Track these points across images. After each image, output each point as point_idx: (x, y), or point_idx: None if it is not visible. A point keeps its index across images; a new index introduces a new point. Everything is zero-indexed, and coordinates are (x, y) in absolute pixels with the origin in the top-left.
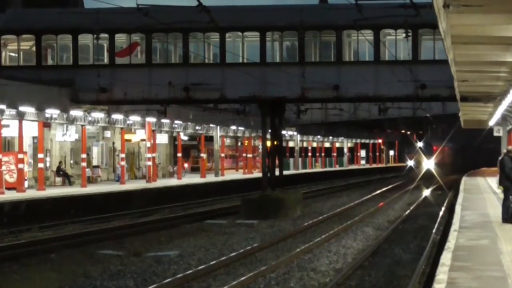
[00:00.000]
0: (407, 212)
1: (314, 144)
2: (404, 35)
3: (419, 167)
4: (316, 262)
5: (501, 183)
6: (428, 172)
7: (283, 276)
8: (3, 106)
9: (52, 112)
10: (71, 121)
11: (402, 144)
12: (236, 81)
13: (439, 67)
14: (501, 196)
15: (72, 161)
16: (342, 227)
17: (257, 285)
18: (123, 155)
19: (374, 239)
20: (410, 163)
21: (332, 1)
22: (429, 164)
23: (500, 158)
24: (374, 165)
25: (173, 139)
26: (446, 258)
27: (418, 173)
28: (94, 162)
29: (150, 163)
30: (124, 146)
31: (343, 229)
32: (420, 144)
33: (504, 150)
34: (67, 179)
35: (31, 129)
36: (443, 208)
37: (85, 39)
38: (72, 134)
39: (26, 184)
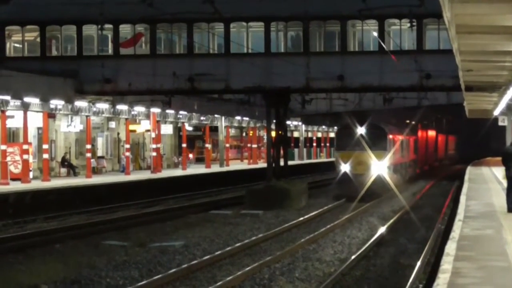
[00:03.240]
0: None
1: (319, 134)
2: (408, 25)
3: (361, 175)
4: (321, 252)
5: (508, 173)
6: (379, 182)
7: (288, 266)
8: (7, 97)
9: (56, 103)
10: (76, 112)
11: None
12: (241, 71)
13: (443, 57)
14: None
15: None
16: (347, 217)
17: (262, 275)
18: (128, 146)
19: (379, 229)
20: (344, 167)
21: None
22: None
23: (505, 148)
24: None
25: (178, 129)
26: (450, 248)
27: (358, 186)
28: (99, 153)
29: (155, 153)
30: (129, 136)
31: (348, 219)
32: (361, 130)
33: (510, 140)
34: (72, 170)
35: (36, 120)
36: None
37: (90, 30)
38: (77, 125)
39: (31, 175)
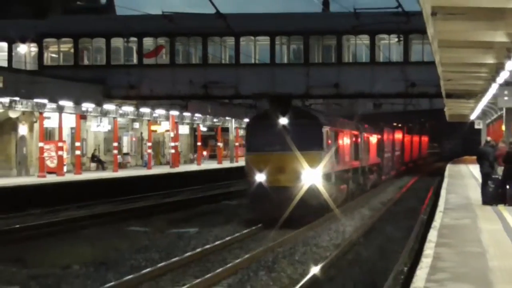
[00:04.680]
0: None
1: None
2: (396, 39)
3: (284, 189)
4: (318, 238)
5: (482, 170)
6: (312, 198)
7: (289, 251)
8: (45, 101)
9: (87, 106)
10: (104, 114)
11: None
12: (249, 79)
13: (427, 68)
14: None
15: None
16: (341, 208)
17: (267, 258)
18: (149, 144)
19: (369, 219)
20: (259, 176)
21: (333, 9)
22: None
23: (480, 147)
24: None
25: (194, 130)
26: (432, 235)
27: (279, 205)
28: (124, 150)
29: (173, 151)
30: (151, 136)
31: (342, 210)
32: (283, 121)
33: (484, 141)
34: (101, 165)
35: (69, 120)
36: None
37: (117, 42)
38: (105, 125)
39: (65, 168)
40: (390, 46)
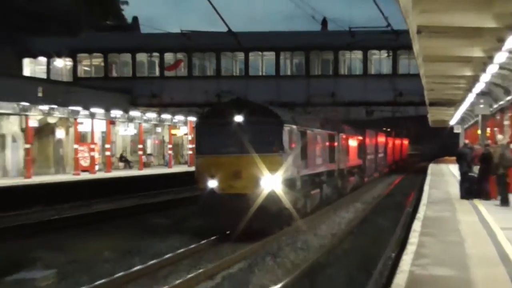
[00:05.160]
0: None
1: None
2: (386, 54)
3: (239, 197)
4: (317, 228)
5: (461, 168)
6: (272, 206)
7: (292, 239)
8: (79, 108)
9: (116, 112)
10: (131, 119)
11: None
12: (257, 89)
13: (413, 79)
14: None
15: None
16: (337, 202)
17: (272, 244)
18: (170, 146)
19: (362, 211)
20: (211, 182)
21: (331, 28)
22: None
23: (459, 149)
24: None
25: None
26: (417, 226)
27: (234, 214)
28: (148, 151)
29: (191, 152)
30: (171, 139)
31: (338, 204)
32: (238, 119)
33: (463, 143)
34: (128, 164)
35: (100, 125)
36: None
37: (141, 57)
38: (131, 130)
39: (96, 167)
40: (380, 60)
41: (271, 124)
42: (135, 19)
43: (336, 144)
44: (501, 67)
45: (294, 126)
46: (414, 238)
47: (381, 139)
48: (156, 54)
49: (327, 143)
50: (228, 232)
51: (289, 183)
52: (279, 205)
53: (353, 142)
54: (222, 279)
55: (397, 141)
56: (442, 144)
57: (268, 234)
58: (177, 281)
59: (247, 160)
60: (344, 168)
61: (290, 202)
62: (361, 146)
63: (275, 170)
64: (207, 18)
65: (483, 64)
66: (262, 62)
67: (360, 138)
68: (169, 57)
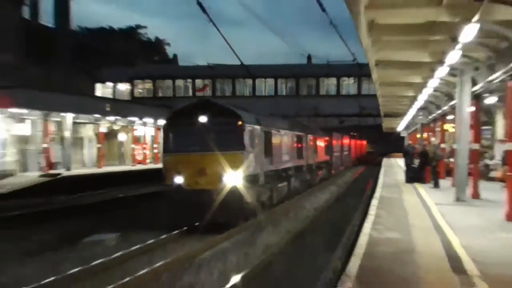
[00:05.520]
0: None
1: None
2: (353, 80)
3: (204, 192)
4: (303, 205)
5: (406, 161)
6: (235, 200)
7: (285, 212)
8: (135, 119)
9: (161, 121)
10: None
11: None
12: (261, 105)
13: (372, 98)
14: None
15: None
16: (318, 186)
17: (270, 216)
18: None
19: (336, 193)
20: (178, 179)
21: (314, 61)
22: (232, 178)
23: (405, 147)
24: None
25: None
26: (374, 203)
27: (201, 208)
28: None
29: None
30: None
31: (318, 188)
32: (202, 119)
33: (407, 144)
34: None
35: (150, 131)
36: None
37: (179, 82)
38: None
39: (147, 160)
40: (349, 85)
41: (233, 124)
42: (174, 56)
43: (304, 143)
44: (435, 90)
45: (258, 126)
46: (372, 211)
47: (346, 140)
48: (189, 80)
49: (295, 143)
50: (196, 224)
51: (252, 179)
52: (241, 200)
53: (320, 142)
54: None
55: (359, 142)
56: (392, 144)
57: (232, 226)
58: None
59: (210, 158)
60: (313, 163)
61: (253, 196)
62: (328, 146)
63: (237, 167)
64: (226, 53)
65: (421, 87)
66: (265, 86)
67: (327, 139)
68: (198, 82)
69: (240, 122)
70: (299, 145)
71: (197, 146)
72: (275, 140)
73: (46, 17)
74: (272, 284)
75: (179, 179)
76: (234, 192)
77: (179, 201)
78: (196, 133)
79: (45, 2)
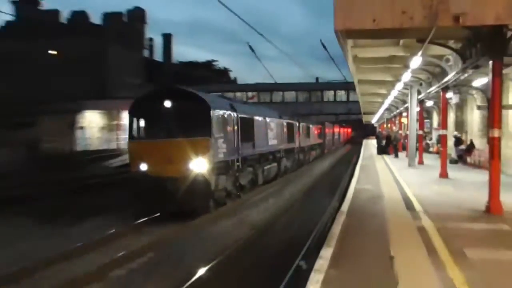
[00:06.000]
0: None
1: None
2: (344, 92)
3: (170, 180)
4: (311, 171)
5: (377, 142)
6: (201, 187)
7: (300, 174)
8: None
9: None
10: None
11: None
12: (289, 108)
13: (356, 103)
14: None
15: None
16: (320, 158)
17: (295, 175)
18: None
19: (332, 163)
20: (143, 166)
21: (320, 80)
22: (198, 166)
23: (376, 133)
24: None
25: None
26: (357, 168)
27: (166, 196)
28: None
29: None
30: None
31: (320, 160)
32: (167, 104)
33: (378, 131)
34: None
35: None
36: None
37: (238, 94)
38: None
39: None
40: (341, 95)
41: (199, 109)
42: (235, 78)
43: (296, 130)
44: (395, 97)
45: (232, 113)
46: (356, 173)
47: (337, 129)
48: (244, 92)
49: (285, 129)
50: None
51: (222, 165)
52: (207, 187)
53: (313, 129)
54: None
55: (346, 129)
56: (369, 131)
57: (201, 214)
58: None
59: (176, 144)
60: (305, 145)
61: (224, 182)
62: (322, 132)
63: (203, 153)
64: (266, 75)
65: (386, 95)
66: (289, 95)
67: (320, 127)
68: (249, 94)
69: (205, 108)
70: (290, 131)
71: (162, 132)
72: (258, 126)
73: (157, 55)
74: (296, 215)
75: (144, 167)
76: (199, 179)
77: (145, 189)
78: (162, 120)
79: (157, 46)
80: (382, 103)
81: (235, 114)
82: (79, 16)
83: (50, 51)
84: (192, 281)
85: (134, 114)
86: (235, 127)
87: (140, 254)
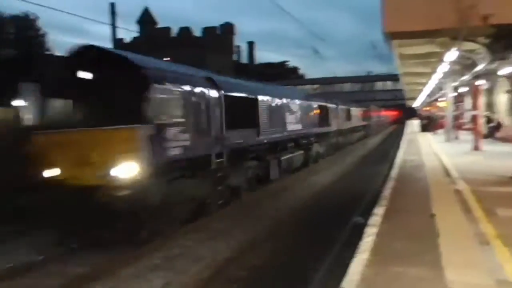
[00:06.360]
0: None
1: None
2: (392, 83)
3: (86, 191)
4: (365, 145)
5: (420, 121)
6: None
7: (357, 147)
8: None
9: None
10: None
11: None
12: (345, 97)
13: (400, 91)
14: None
15: None
16: (372, 135)
17: (350, 148)
18: None
19: (382, 139)
20: (49, 172)
21: (371, 73)
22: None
23: (419, 114)
24: None
25: None
26: (403, 142)
27: (79, 214)
28: None
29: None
30: None
31: (371, 137)
32: (86, 76)
33: (419, 113)
34: None
35: None
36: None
37: (306, 87)
38: None
39: None
40: (389, 85)
41: (131, 81)
42: (302, 75)
43: (334, 113)
44: (433, 86)
45: (209, 90)
46: (402, 145)
47: (383, 111)
48: (310, 85)
49: (314, 112)
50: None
51: (185, 165)
52: (137, 203)
53: (356, 112)
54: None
55: (392, 112)
56: (412, 113)
57: (149, 241)
58: None
59: (92, 136)
60: (345, 128)
61: (191, 189)
62: (367, 114)
63: (133, 151)
64: (329, 71)
65: (425, 85)
66: (345, 87)
67: (366, 109)
68: (314, 86)
69: (141, 79)
70: (324, 114)
71: (75, 119)
72: (266, 108)
73: (243, 59)
74: (353, 179)
75: (50, 171)
76: (121, 192)
77: (50, 203)
78: (74, 100)
79: (243, 51)
80: (422, 90)
81: (216, 93)
82: (185, 31)
83: (164, 59)
84: None
85: (40, 93)
86: (216, 110)
87: None
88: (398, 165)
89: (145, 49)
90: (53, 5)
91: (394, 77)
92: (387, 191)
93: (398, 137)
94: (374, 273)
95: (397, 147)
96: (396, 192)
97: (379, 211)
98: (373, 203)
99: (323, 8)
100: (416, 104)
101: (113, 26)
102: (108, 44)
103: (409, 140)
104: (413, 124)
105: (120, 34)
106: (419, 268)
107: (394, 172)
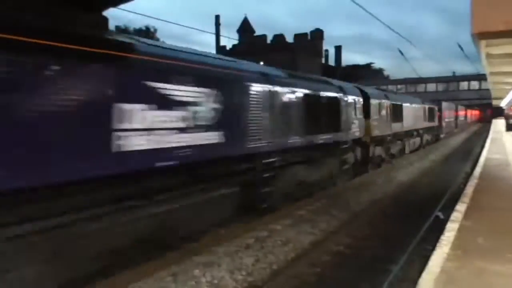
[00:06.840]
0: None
1: None
2: (477, 82)
3: None
4: (452, 140)
5: (506, 121)
6: None
7: (445, 142)
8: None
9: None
10: None
11: None
12: (428, 96)
13: (487, 91)
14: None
15: None
16: (458, 133)
17: (434, 146)
18: None
19: (467, 137)
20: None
21: (456, 74)
22: None
23: (505, 113)
24: None
25: None
26: (488, 141)
27: None
28: None
29: None
30: None
31: (456, 133)
32: None
33: (506, 112)
34: None
35: None
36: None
37: (390, 87)
38: None
39: None
40: (475, 85)
41: None
42: (387, 76)
43: (439, 113)
44: None
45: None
46: (487, 144)
47: (469, 111)
48: (396, 86)
49: (426, 112)
50: None
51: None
52: None
53: (449, 112)
54: None
55: (477, 111)
56: (498, 112)
57: None
58: None
59: None
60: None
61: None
62: (440, 115)
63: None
64: (413, 72)
65: None
66: (429, 87)
67: (435, 109)
68: (398, 86)
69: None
70: (431, 113)
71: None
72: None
73: (331, 61)
74: (437, 175)
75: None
76: None
77: None
78: None
79: (331, 55)
80: (510, 89)
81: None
82: (279, 38)
83: (261, 63)
84: None
85: None
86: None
87: None
88: (482, 163)
89: (244, 54)
90: (166, 18)
91: (478, 77)
92: (469, 189)
93: (483, 135)
94: (454, 266)
95: (481, 145)
96: (479, 190)
97: (461, 208)
98: (455, 201)
99: (411, 10)
100: (503, 103)
101: (217, 35)
102: (212, 51)
103: (494, 139)
104: (499, 124)
105: (223, 41)
106: (502, 266)
107: (477, 170)
